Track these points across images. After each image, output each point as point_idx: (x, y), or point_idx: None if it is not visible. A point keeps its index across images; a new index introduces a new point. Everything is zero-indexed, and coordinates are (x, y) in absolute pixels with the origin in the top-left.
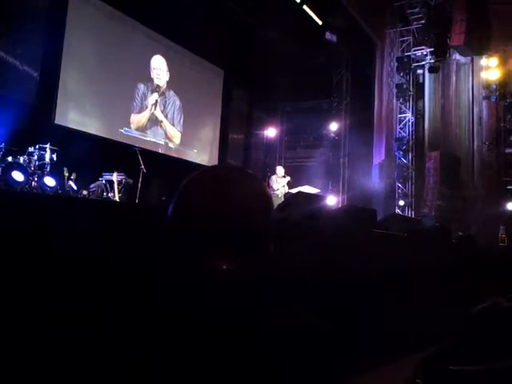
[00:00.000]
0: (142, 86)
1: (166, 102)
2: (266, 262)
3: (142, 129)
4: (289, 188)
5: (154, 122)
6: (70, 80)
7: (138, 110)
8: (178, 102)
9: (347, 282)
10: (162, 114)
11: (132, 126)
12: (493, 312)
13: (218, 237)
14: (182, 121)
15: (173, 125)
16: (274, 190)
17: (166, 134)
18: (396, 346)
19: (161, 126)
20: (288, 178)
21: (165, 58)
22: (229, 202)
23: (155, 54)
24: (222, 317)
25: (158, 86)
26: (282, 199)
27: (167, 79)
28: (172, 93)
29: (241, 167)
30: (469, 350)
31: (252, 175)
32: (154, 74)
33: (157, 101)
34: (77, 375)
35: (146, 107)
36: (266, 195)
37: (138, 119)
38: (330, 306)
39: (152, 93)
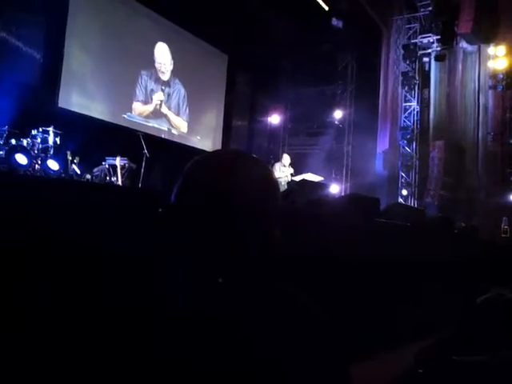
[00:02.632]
0: (145, 74)
1: (170, 92)
2: (269, 252)
3: (145, 117)
4: (292, 176)
5: (158, 114)
6: (74, 63)
7: (140, 99)
8: (182, 91)
9: (349, 270)
10: (166, 108)
11: (134, 112)
12: (496, 303)
13: (220, 223)
14: (187, 110)
15: (178, 115)
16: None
17: (170, 123)
18: (397, 334)
19: (165, 118)
20: (291, 170)
21: (168, 44)
22: (233, 186)
23: (159, 40)
24: (222, 313)
25: (163, 81)
26: (285, 187)
27: (171, 69)
28: (177, 81)
29: (245, 152)
30: (471, 341)
31: (257, 159)
32: (158, 67)
33: (161, 101)
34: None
35: (151, 99)
36: (271, 180)
37: (141, 110)
38: (332, 293)
39: (155, 83)
